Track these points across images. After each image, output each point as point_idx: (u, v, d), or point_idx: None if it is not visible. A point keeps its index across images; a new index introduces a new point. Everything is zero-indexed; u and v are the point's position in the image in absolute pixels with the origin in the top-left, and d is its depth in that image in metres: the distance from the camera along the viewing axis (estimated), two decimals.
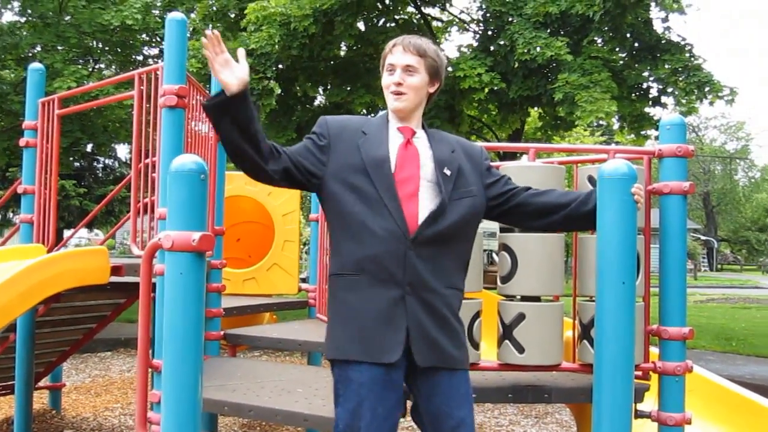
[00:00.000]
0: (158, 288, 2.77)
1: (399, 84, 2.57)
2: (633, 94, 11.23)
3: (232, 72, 2.32)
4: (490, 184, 2.69)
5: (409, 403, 2.71)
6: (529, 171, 3.25)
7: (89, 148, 19.07)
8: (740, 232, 55.50)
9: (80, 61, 14.05)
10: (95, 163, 25.09)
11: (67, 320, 5.21)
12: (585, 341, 3.25)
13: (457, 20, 14.38)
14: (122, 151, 25.85)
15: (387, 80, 2.61)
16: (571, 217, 2.69)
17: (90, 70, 14.08)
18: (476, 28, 12.84)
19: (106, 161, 25.71)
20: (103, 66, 15.90)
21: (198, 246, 2.11)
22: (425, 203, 2.50)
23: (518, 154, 11.89)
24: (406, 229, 2.44)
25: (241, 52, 2.38)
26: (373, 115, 10.33)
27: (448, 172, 2.55)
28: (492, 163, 2.80)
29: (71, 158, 17.97)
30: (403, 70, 2.57)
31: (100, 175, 25.39)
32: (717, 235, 54.08)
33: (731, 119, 55.15)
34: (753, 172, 58.07)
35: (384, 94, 2.66)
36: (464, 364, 2.58)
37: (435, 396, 2.51)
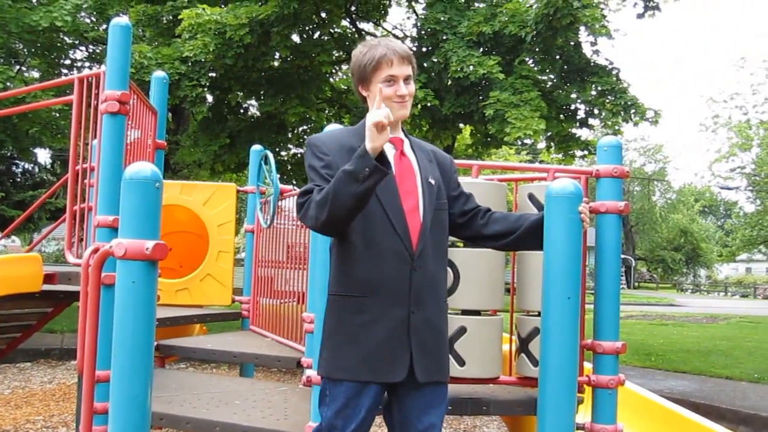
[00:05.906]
0: (103, 297, 2.71)
1: (405, 95, 2.55)
2: (561, 115, 11.51)
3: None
4: (455, 198, 2.72)
5: None
6: (473, 187, 3.30)
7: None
8: (656, 252, 57.34)
9: (1, 61, 13.59)
10: (14, 168, 24.38)
11: None
12: (523, 355, 3.32)
13: (391, 36, 14.52)
14: (43, 155, 25.19)
15: (388, 92, 2.52)
16: (521, 238, 2.69)
17: (15, 71, 13.64)
18: (410, 45, 12.97)
19: (26, 166, 25.01)
20: (24, 69, 15.46)
21: (151, 254, 2.08)
22: (424, 217, 2.51)
23: None
24: (410, 247, 2.45)
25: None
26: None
27: (432, 182, 2.58)
28: None
29: None
30: (404, 80, 2.55)
31: (19, 180, 24.67)
32: (635, 254, 55.70)
33: (650, 142, 56.97)
34: (670, 193, 60.03)
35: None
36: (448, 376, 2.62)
37: (409, 399, 2.52)
